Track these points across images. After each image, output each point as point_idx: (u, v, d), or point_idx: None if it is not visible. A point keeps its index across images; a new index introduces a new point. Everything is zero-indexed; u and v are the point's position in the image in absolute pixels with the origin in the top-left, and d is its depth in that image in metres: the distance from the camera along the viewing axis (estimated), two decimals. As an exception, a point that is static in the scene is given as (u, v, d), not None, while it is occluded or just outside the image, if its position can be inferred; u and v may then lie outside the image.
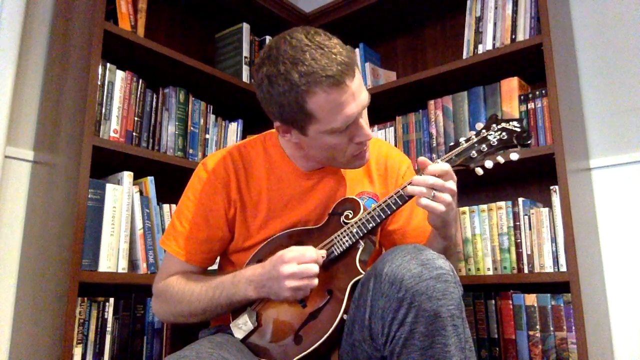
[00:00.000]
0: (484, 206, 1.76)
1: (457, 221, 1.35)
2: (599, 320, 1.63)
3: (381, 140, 1.38)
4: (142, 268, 1.67)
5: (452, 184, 1.04)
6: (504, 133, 1.07)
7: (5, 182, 1.68)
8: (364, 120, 1.07)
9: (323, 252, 1.08)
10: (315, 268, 1.02)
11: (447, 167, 1.04)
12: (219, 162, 1.20)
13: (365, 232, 1.08)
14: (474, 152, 1.07)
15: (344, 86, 0.99)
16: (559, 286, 1.58)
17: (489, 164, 1.07)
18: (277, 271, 1.02)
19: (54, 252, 1.55)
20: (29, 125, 1.77)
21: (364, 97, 1.04)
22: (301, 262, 1.02)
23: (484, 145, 1.07)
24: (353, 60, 1.02)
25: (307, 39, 1.00)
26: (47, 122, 1.74)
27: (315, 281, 1.03)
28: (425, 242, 1.19)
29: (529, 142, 1.05)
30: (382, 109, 2.09)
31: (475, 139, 1.08)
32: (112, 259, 1.59)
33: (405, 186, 1.06)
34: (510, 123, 1.07)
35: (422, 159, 1.06)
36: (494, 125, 1.08)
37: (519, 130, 1.06)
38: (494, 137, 1.07)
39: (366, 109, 1.08)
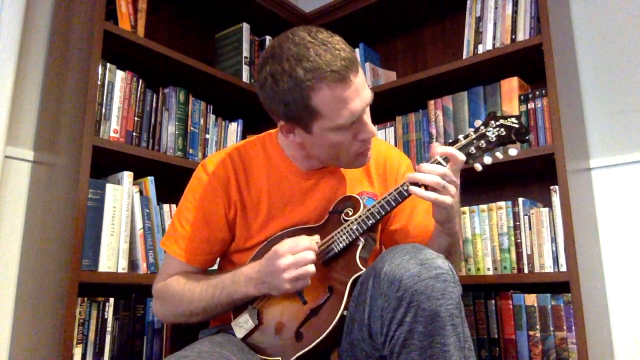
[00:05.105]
0: (484, 206, 1.76)
1: (460, 218, 1.34)
2: (599, 320, 1.63)
3: (380, 140, 1.37)
4: (142, 268, 1.67)
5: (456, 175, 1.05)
6: (502, 129, 1.07)
7: (5, 182, 1.68)
8: (367, 118, 1.07)
9: (316, 237, 1.08)
10: (310, 255, 1.02)
11: (456, 151, 1.04)
12: (219, 163, 1.20)
13: (365, 228, 1.08)
14: (472, 148, 1.07)
15: (348, 81, 0.99)
16: (559, 286, 1.58)
17: (487, 160, 1.07)
18: (274, 265, 1.02)
19: (54, 252, 1.55)
20: (29, 125, 1.77)
21: (367, 94, 1.04)
22: (296, 251, 1.02)
23: (482, 142, 1.07)
24: (355, 57, 1.03)
25: (309, 37, 1.00)
26: (47, 122, 1.74)
27: (313, 268, 1.02)
28: (429, 239, 1.19)
29: (527, 137, 1.06)
30: (382, 109, 2.09)
31: (474, 136, 1.08)
32: (112, 259, 1.59)
33: (405, 182, 1.05)
34: (509, 119, 1.08)
35: (435, 143, 1.06)
36: (493, 122, 1.08)
37: (517, 126, 1.07)
38: (493, 134, 1.07)
39: (369, 108, 1.08)
